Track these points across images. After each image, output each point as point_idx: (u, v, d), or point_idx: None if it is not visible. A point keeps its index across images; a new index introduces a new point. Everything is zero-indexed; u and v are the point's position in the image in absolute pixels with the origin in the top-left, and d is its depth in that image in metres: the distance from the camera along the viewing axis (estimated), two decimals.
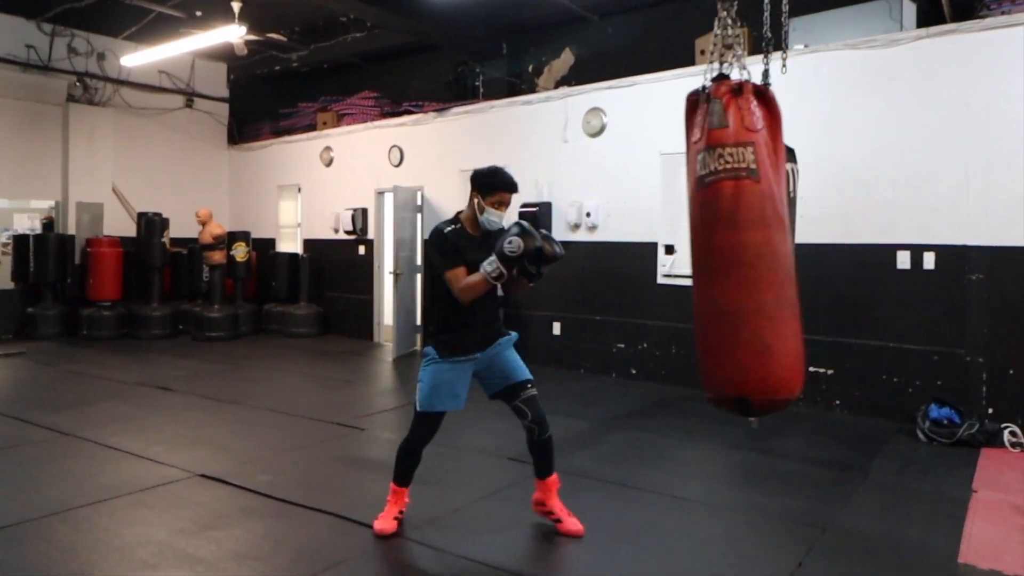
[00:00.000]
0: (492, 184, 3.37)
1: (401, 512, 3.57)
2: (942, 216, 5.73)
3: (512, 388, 3.45)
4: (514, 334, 3.56)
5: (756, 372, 2.63)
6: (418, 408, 3.44)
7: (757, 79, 2.78)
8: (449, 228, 3.40)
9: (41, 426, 5.42)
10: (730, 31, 2.91)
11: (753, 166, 2.59)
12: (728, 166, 2.60)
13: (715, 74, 2.81)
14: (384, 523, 3.51)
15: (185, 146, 11.60)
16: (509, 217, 3.53)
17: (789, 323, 2.64)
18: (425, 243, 3.43)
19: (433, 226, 3.49)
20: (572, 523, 3.53)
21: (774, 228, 2.62)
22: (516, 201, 8.15)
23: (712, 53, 2.89)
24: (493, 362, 3.45)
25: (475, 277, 3.25)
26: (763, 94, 2.71)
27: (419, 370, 3.47)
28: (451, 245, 3.34)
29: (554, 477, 3.58)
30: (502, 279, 3.21)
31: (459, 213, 3.50)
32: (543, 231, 3.31)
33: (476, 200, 3.39)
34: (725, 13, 2.91)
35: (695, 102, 2.82)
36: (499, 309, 3.56)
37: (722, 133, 2.64)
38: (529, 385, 3.46)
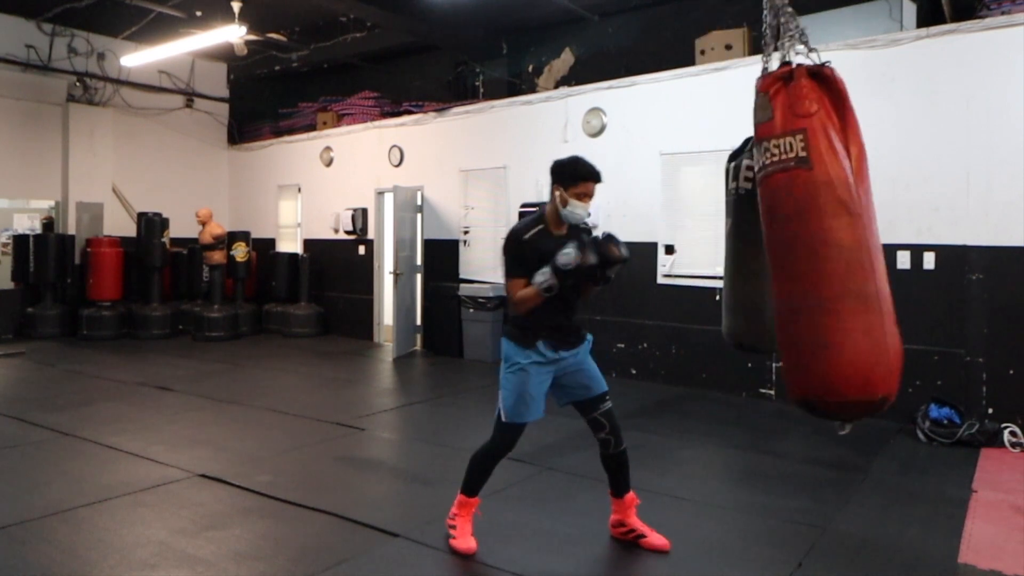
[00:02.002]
0: (576, 174, 3.19)
1: (473, 527, 3.41)
2: (942, 216, 5.73)
3: (592, 400, 3.30)
4: (590, 337, 3.39)
5: (815, 372, 2.48)
6: (504, 419, 3.25)
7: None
8: (530, 233, 3.21)
9: (41, 426, 5.42)
10: (779, 17, 2.78)
11: (803, 154, 2.46)
12: (776, 159, 2.54)
13: (769, 64, 2.67)
14: (466, 541, 3.33)
15: (185, 146, 11.60)
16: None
17: (858, 317, 2.45)
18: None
19: (514, 226, 3.31)
20: (657, 538, 3.40)
21: (832, 216, 2.45)
22: (516, 201, 8.22)
23: (764, 43, 2.74)
24: (575, 368, 3.29)
25: (529, 291, 3.10)
26: (819, 74, 2.54)
27: (501, 375, 3.29)
28: (520, 252, 3.17)
29: (632, 495, 3.44)
30: (552, 292, 3.06)
31: (543, 208, 3.31)
32: (607, 233, 3.19)
33: (558, 193, 3.20)
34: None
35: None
36: (578, 306, 3.36)
37: (768, 126, 2.56)
38: (607, 397, 3.32)
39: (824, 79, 2.54)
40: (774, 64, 2.74)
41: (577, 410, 3.37)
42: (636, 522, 3.45)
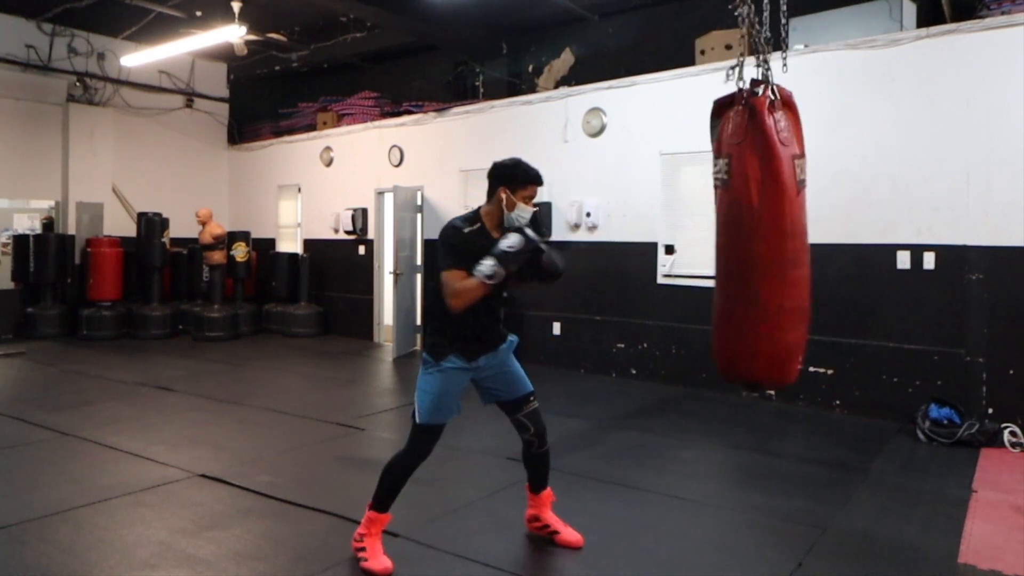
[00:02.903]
0: (526, 177, 3.14)
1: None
2: (942, 216, 5.73)
3: (516, 401, 3.28)
4: (514, 338, 3.34)
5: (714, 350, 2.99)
6: (419, 420, 3.15)
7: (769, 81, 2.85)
8: (469, 228, 3.11)
9: (41, 426, 5.43)
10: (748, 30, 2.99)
11: (725, 176, 2.83)
12: (715, 175, 2.88)
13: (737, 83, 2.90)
14: (380, 562, 3.13)
15: (185, 146, 11.60)
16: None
17: (741, 318, 2.86)
18: (438, 237, 3.18)
19: (445, 223, 3.20)
20: (570, 533, 3.44)
21: (738, 233, 2.82)
22: None
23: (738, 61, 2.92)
24: (495, 371, 3.24)
25: (471, 282, 2.96)
26: (750, 104, 2.79)
27: (418, 378, 3.20)
28: (462, 244, 3.05)
29: (549, 491, 3.48)
30: (496, 279, 2.96)
31: (478, 210, 3.21)
32: (545, 243, 3.12)
33: (505, 195, 3.11)
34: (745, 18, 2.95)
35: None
36: (502, 311, 3.32)
37: (714, 146, 2.91)
38: (532, 398, 3.30)
39: (752, 111, 2.79)
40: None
41: (502, 410, 3.33)
42: (551, 517, 3.48)
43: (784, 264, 2.80)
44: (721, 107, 2.93)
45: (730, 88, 2.86)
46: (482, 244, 3.05)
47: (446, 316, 3.10)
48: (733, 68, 2.86)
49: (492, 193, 3.19)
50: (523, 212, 3.13)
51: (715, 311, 2.94)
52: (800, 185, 2.80)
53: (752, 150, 2.77)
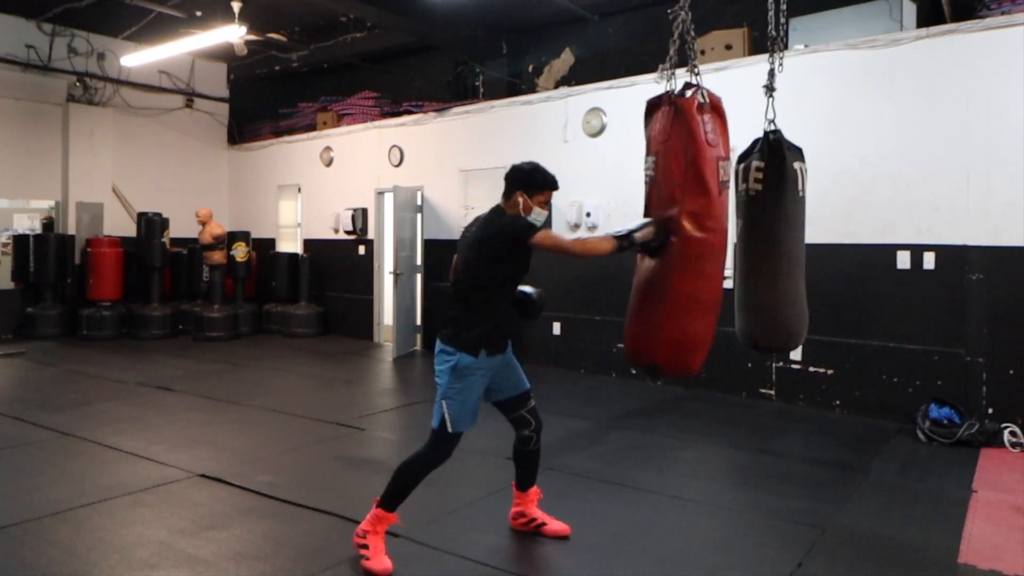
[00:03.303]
0: (542, 183, 3.25)
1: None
2: (942, 216, 5.73)
3: (518, 398, 3.35)
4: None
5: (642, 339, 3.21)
6: (451, 430, 3.13)
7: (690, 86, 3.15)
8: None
9: (41, 426, 5.43)
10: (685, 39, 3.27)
11: (652, 173, 3.15)
12: (645, 172, 3.19)
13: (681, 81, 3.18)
14: (381, 562, 3.10)
15: (185, 146, 11.60)
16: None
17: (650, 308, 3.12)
18: (482, 234, 3.20)
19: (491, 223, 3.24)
20: (557, 524, 3.50)
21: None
22: None
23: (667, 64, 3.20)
24: (504, 367, 3.29)
25: (605, 241, 3.17)
26: (677, 104, 3.07)
27: (445, 386, 3.14)
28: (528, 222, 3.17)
29: (536, 488, 3.55)
30: (624, 247, 3.18)
31: (497, 208, 3.30)
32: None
33: (522, 199, 3.21)
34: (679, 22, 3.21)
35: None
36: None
37: (646, 144, 3.27)
38: (531, 395, 3.39)
39: (677, 111, 3.06)
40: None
41: (501, 409, 3.38)
42: (536, 512, 3.54)
43: (701, 258, 3.04)
44: (651, 106, 3.22)
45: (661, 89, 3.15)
46: None
47: (487, 311, 3.17)
48: (662, 72, 3.14)
49: (509, 195, 3.28)
50: (539, 215, 3.25)
51: (631, 300, 3.20)
52: (723, 186, 3.03)
53: (678, 148, 3.03)
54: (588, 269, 7.71)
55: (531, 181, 3.24)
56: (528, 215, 3.22)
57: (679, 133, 2.99)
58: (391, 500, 3.20)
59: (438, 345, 3.23)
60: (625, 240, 3.14)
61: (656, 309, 3.05)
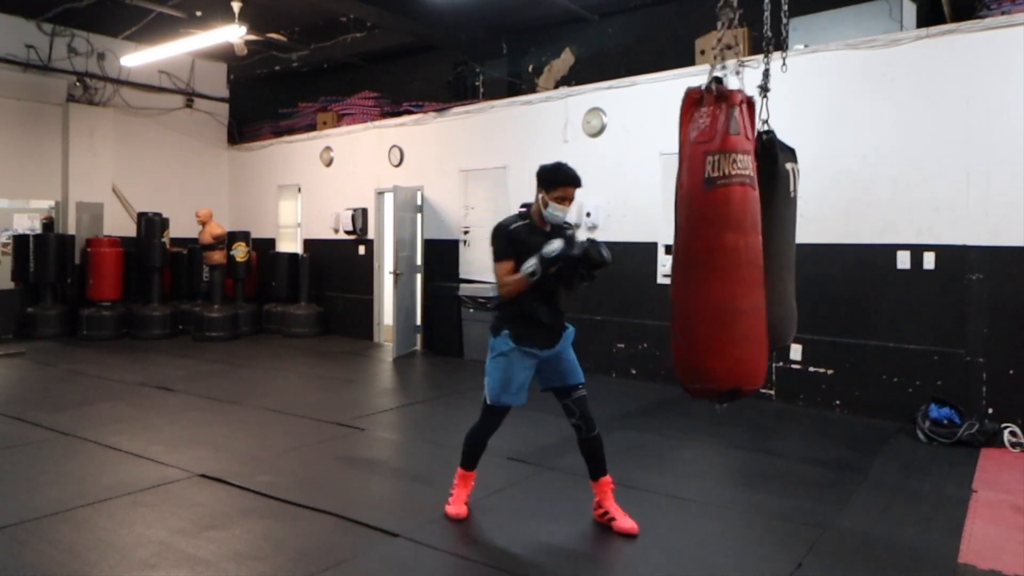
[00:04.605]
0: (555, 179, 3.51)
1: (468, 496, 3.78)
2: (942, 216, 5.73)
3: (567, 388, 3.60)
4: (572, 328, 3.68)
5: (750, 364, 2.89)
6: (488, 401, 3.59)
7: (752, 81, 3.00)
8: (514, 225, 3.55)
9: (41, 426, 5.42)
10: (732, 30, 3.13)
11: (753, 174, 2.84)
12: (740, 172, 2.81)
13: (715, 74, 2.95)
14: (457, 507, 3.70)
15: (185, 146, 11.60)
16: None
17: (765, 320, 2.94)
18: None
19: (498, 223, 3.63)
20: (626, 521, 3.57)
21: (759, 232, 2.89)
22: (516, 201, 8.20)
23: (715, 54, 3.00)
24: (554, 359, 3.58)
25: (516, 276, 3.42)
26: (752, 105, 2.95)
27: (487, 362, 3.59)
28: (508, 239, 3.49)
29: (608, 478, 3.66)
30: (535, 277, 3.37)
31: (529, 207, 3.62)
32: (592, 239, 3.43)
33: (540, 195, 3.53)
34: (729, 10, 3.06)
35: (697, 100, 2.87)
36: (561, 303, 3.66)
37: (737, 139, 2.82)
38: (581, 386, 3.61)
39: (752, 112, 2.96)
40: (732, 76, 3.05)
41: (555, 396, 3.66)
42: (610, 504, 3.65)
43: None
44: (714, 96, 2.89)
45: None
46: (529, 236, 3.50)
47: (521, 308, 3.51)
48: (732, 57, 3.06)
49: (536, 192, 3.59)
50: (556, 211, 3.52)
51: (754, 324, 2.93)
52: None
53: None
54: None
55: (545, 178, 3.54)
56: (546, 209, 3.51)
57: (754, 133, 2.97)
58: (466, 462, 3.75)
59: None
60: (533, 267, 3.38)
61: (756, 333, 2.87)
